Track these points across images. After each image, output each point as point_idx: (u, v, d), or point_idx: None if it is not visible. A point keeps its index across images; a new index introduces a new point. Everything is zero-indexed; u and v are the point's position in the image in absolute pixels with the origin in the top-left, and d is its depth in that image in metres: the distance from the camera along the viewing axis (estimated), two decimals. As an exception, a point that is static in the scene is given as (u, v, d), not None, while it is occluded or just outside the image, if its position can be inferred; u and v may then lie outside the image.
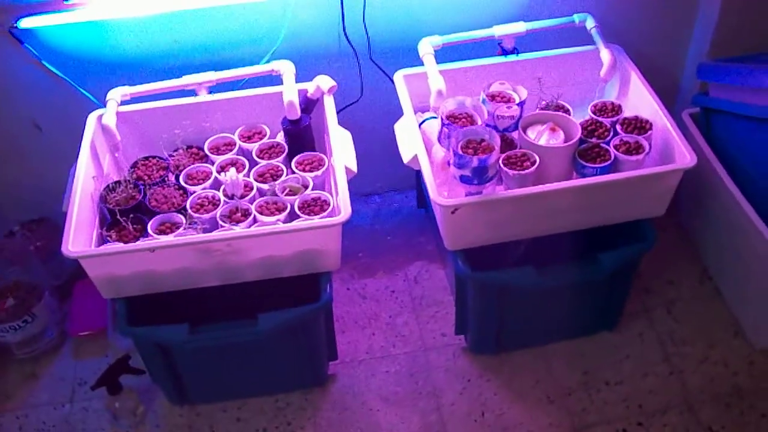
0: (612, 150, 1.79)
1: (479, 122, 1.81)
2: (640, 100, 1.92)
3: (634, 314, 2.13)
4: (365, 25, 2.04)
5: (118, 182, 1.86)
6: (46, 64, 2.00)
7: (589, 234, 1.88)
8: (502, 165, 1.75)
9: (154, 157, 1.96)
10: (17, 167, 2.22)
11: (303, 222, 1.73)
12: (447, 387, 2.00)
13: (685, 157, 1.74)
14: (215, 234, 1.70)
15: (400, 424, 1.95)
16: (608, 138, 1.83)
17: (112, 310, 2.15)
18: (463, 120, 1.83)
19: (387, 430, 1.94)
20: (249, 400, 2.00)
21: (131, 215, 1.79)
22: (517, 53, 2.03)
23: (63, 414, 2.01)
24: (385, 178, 2.48)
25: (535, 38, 2.01)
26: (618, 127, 1.85)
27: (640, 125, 1.84)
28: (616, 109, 1.90)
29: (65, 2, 1.86)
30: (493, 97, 1.87)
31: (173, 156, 1.96)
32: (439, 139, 1.87)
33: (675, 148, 1.78)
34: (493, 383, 2.00)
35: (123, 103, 1.93)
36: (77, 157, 1.84)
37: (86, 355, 2.14)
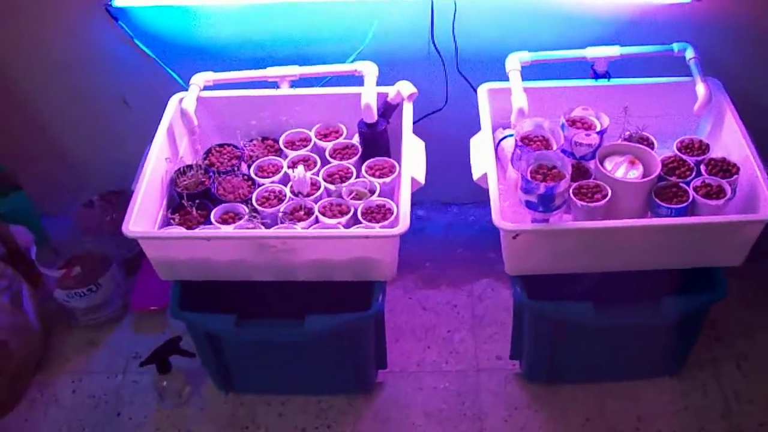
0: (691, 191, 1.69)
1: (554, 147, 1.75)
2: (732, 140, 1.81)
3: (700, 363, 2.01)
4: (454, 35, 2.00)
5: (189, 166, 1.88)
6: (138, 43, 2.04)
7: (664, 273, 1.80)
8: (571, 194, 1.68)
9: (228, 145, 1.97)
10: (103, 139, 2.29)
11: (358, 230, 1.71)
12: (492, 412, 1.95)
13: (770, 207, 1.64)
14: (270, 231, 1.70)
15: (439, 443, 1.92)
16: (689, 178, 1.73)
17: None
18: (538, 143, 1.77)
19: (425, 447, 1.91)
20: (293, 397, 2.00)
21: (197, 201, 1.81)
22: (609, 78, 1.95)
23: (115, 384, 2.06)
24: (464, 189, 2.40)
25: (626, 64, 1.92)
26: (702, 167, 1.75)
27: (726, 168, 1.74)
28: (704, 148, 1.80)
29: (159, -15, 1.90)
30: (573, 122, 1.80)
31: (248, 146, 1.97)
32: (511, 160, 1.82)
33: (761, 197, 1.67)
34: (540, 415, 1.94)
35: (206, 88, 1.95)
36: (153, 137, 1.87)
37: (145, 330, 2.19)
